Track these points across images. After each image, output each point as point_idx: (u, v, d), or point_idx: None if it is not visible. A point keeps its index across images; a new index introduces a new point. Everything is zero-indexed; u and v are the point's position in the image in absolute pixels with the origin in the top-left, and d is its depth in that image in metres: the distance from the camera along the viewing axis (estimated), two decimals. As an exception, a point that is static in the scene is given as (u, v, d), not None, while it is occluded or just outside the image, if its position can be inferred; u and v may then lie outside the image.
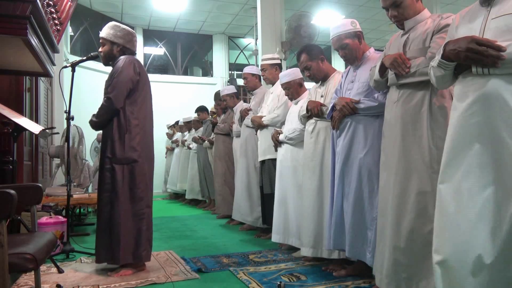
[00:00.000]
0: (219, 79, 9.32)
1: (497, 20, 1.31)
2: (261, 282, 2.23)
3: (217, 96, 5.43)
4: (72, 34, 7.74)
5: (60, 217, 3.16)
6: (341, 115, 2.24)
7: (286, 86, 3.03)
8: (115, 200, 2.43)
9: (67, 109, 2.92)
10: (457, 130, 1.37)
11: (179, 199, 7.22)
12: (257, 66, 5.42)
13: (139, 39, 8.61)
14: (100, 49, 2.63)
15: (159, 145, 7.15)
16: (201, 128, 6.01)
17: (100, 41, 2.62)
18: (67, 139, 3.01)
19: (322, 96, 2.62)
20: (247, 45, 9.83)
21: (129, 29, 2.66)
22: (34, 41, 2.21)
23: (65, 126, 3.23)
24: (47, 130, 3.17)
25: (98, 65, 7.06)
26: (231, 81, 8.66)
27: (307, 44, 2.85)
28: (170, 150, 7.78)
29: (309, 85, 3.01)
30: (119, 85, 2.46)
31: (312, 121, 2.60)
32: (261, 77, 3.85)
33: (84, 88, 6.61)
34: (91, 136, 5.51)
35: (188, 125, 6.68)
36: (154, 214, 2.66)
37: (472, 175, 1.31)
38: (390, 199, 1.86)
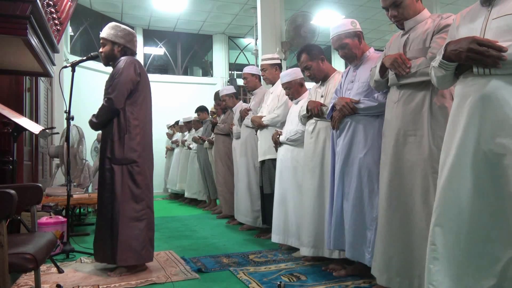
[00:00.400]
0: (219, 79, 9.32)
1: (498, 20, 1.31)
2: (261, 282, 2.23)
3: (217, 96, 5.43)
4: (72, 34, 7.73)
5: (60, 217, 3.16)
6: (341, 115, 2.24)
7: (287, 86, 3.03)
8: (115, 200, 2.43)
9: (67, 109, 2.91)
10: (461, 133, 1.36)
11: (179, 199, 7.22)
12: (257, 66, 5.42)
13: (139, 39, 8.61)
14: (100, 49, 2.63)
15: (159, 145, 7.17)
16: (201, 128, 6.01)
17: (101, 41, 2.62)
18: (67, 139, 3.01)
19: (322, 96, 2.62)
20: (247, 45, 9.82)
21: (130, 29, 2.66)
22: (34, 41, 2.20)
23: (65, 126, 3.22)
24: (47, 130, 3.17)
25: (98, 65, 7.06)
26: (231, 81, 8.66)
27: (307, 44, 2.85)
28: (170, 150, 7.78)
29: (309, 85, 3.01)
30: (120, 86, 2.46)
31: (312, 121, 2.60)
32: (261, 77, 3.85)
33: (84, 88, 6.61)
34: (91, 136, 5.50)
35: (188, 125, 6.68)
36: (154, 214, 2.66)
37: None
38: (392, 198, 1.86)
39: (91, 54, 2.87)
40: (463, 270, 1.31)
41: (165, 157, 8.04)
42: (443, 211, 1.38)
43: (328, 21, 7.02)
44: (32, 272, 1.84)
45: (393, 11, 1.90)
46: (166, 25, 8.85)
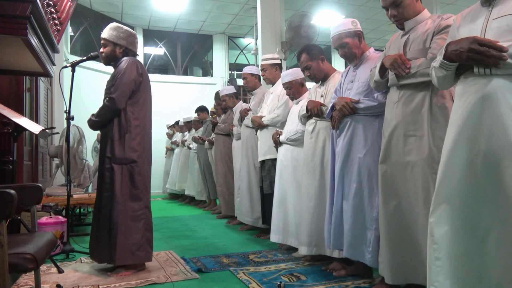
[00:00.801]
0: (219, 79, 9.32)
1: (499, 20, 1.31)
2: (261, 282, 2.23)
3: (217, 96, 5.43)
4: (72, 34, 7.73)
5: (60, 217, 3.16)
6: (341, 115, 2.24)
7: (288, 86, 3.03)
8: (114, 199, 2.43)
9: (67, 109, 2.91)
10: (457, 131, 1.37)
11: (178, 199, 7.22)
12: (257, 66, 5.42)
13: (139, 39, 8.59)
14: (101, 50, 2.62)
15: (159, 145, 7.18)
16: (201, 128, 6.01)
17: (102, 42, 2.61)
18: (67, 139, 3.01)
19: (322, 96, 2.62)
20: (247, 45, 9.83)
21: (131, 30, 2.67)
22: (34, 41, 2.20)
23: (65, 126, 3.22)
24: (47, 130, 3.17)
25: (98, 65, 7.06)
26: (231, 81, 8.66)
27: (308, 44, 2.86)
28: (170, 150, 7.78)
29: (309, 85, 3.01)
30: (122, 86, 2.46)
31: (312, 121, 2.60)
32: (261, 77, 3.85)
33: (84, 88, 6.61)
34: (91, 136, 5.50)
35: (188, 125, 6.68)
36: (154, 214, 2.66)
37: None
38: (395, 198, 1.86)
39: (91, 54, 2.86)
40: (464, 272, 1.32)
41: (165, 157, 8.04)
42: (437, 207, 1.39)
43: (328, 21, 7.03)
44: (32, 272, 1.84)
45: (393, 11, 1.90)
46: (166, 25, 8.86)
